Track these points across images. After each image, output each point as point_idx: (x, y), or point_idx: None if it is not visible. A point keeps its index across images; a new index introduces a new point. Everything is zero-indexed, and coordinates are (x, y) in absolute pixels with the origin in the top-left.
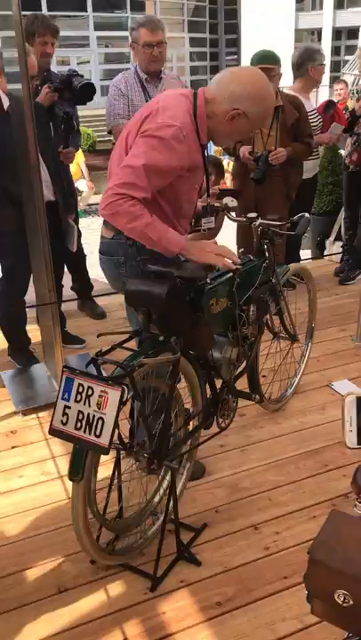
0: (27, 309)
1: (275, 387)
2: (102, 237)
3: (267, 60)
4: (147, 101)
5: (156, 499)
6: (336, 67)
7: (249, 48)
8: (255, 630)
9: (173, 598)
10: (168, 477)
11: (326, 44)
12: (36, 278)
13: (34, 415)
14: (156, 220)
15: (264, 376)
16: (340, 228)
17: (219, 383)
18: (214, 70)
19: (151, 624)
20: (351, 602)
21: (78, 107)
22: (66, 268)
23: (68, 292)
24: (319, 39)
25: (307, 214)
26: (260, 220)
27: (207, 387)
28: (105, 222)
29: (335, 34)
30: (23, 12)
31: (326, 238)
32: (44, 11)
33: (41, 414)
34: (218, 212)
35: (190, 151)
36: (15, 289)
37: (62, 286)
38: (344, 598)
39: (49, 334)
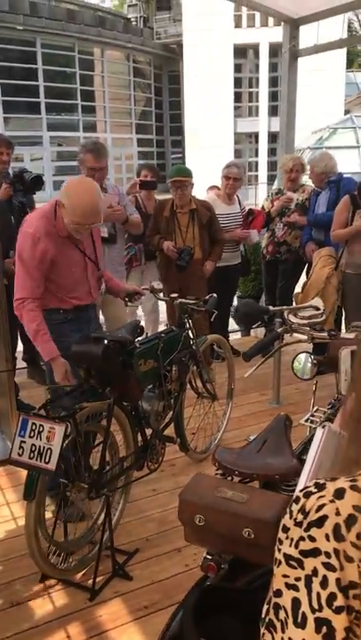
0: None
1: (200, 441)
2: None
3: (181, 174)
4: None
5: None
6: (272, 166)
7: (192, 148)
8: None
9: (108, 605)
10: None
11: (263, 146)
12: None
13: None
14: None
15: (193, 433)
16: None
17: (149, 432)
18: (161, 167)
19: (90, 625)
20: (204, 522)
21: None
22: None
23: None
24: (256, 141)
25: (215, 295)
26: (179, 300)
27: (138, 434)
28: None
29: (270, 137)
30: None
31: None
32: (0, 113)
33: None
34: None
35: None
36: None
37: (15, 358)
38: (199, 519)
39: (4, 401)
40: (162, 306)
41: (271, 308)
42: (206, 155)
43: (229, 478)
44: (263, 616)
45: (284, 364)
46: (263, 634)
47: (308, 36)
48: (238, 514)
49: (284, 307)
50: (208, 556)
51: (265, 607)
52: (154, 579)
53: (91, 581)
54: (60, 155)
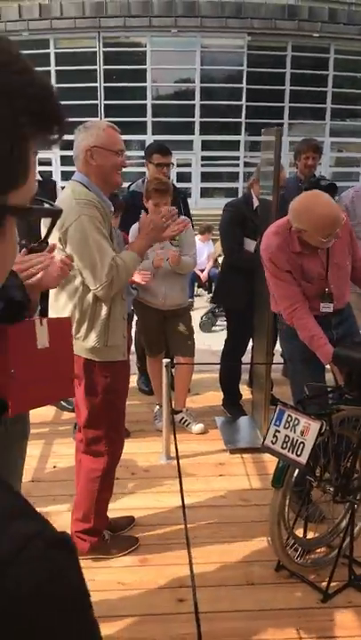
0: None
1: None
2: None
3: None
4: None
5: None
6: None
7: None
8: None
9: (340, 612)
10: (348, 517)
11: None
12: (257, 343)
13: (238, 454)
14: None
15: None
16: None
17: None
18: None
19: (319, 626)
20: None
21: None
22: None
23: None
24: None
25: None
26: None
27: None
28: None
29: None
30: None
31: None
32: (286, 119)
33: (245, 455)
34: None
35: None
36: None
37: (273, 354)
38: None
39: (260, 394)
40: None
41: None
42: None
43: None
44: None
45: None
46: None
47: None
48: None
49: None
50: None
51: None
52: None
53: (325, 584)
54: (340, 160)
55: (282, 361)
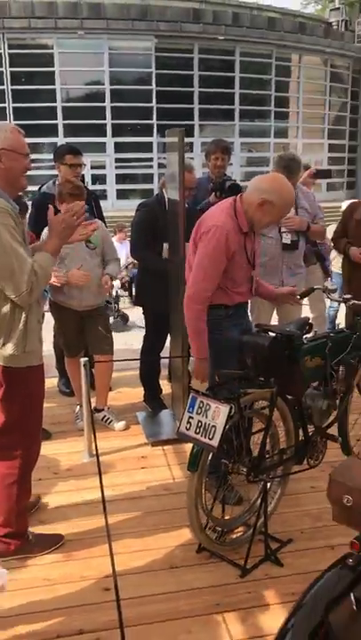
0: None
1: None
2: None
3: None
4: None
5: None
6: None
7: None
8: None
9: (258, 585)
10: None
11: None
12: (173, 338)
13: (160, 447)
14: None
15: (358, 440)
16: None
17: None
18: (351, 173)
19: (238, 599)
20: (351, 503)
21: None
22: None
23: None
24: None
25: None
26: (353, 302)
27: (300, 429)
28: None
29: None
30: None
31: None
32: (196, 121)
33: (166, 447)
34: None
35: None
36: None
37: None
38: (347, 500)
39: (179, 386)
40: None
41: None
42: None
43: None
44: None
45: None
46: None
47: None
48: None
49: None
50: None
51: None
52: (304, 569)
53: (243, 561)
54: (250, 160)
55: None
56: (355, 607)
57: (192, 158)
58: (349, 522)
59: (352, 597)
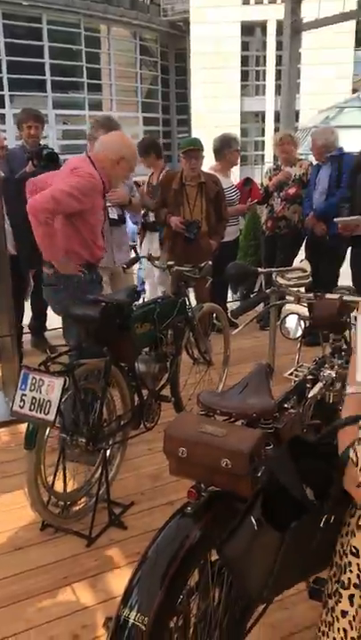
0: None
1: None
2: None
3: (195, 144)
4: None
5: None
6: None
7: (198, 128)
8: None
9: (104, 551)
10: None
11: (269, 126)
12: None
13: None
14: None
15: (190, 399)
16: (261, 283)
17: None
18: (167, 147)
19: (86, 568)
20: (186, 454)
21: None
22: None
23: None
24: (263, 120)
25: (210, 262)
26: (176, 268)
27: (135, 394)
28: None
29: (277, 116)
30: None
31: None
32: (6, 91)
33: (1, 429)
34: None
35: None
36: None
37: (22, 327)
38: (182, 452)
39: (10, 367)
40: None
41: (260, 269)
42: (212, 134)
43: (213, 418)
44: None
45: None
46: None
47: (312, 12)
48: (217, 446)
49: (273, 269)
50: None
51: None
52: (147, 528)
53: (88, 531)
54: (67, 133)
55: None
56: (256, 528)
57: (4, 130)
58: (186, 473)
59: (252, 519)
